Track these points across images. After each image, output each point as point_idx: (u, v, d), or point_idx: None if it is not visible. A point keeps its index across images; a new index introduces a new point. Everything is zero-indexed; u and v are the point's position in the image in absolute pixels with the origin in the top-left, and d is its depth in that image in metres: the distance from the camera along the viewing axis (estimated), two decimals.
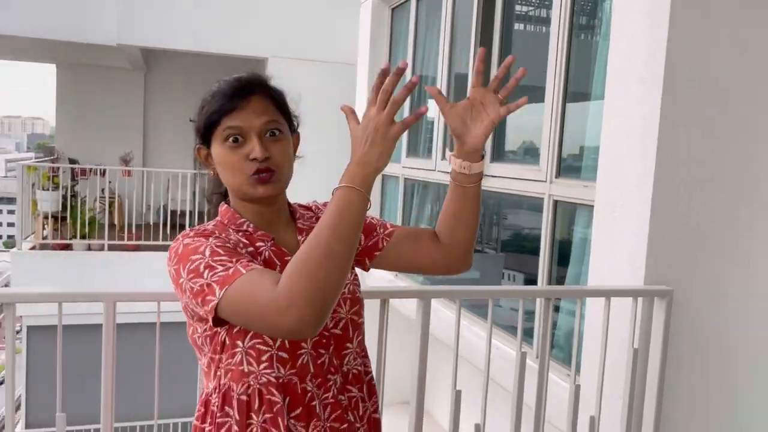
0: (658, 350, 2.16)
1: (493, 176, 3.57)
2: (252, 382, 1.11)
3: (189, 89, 11.15)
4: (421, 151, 4.81)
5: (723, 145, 2.23)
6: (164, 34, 7.43)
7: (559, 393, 2.44)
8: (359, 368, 1.25)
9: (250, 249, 1.15)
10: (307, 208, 1.34)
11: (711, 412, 2.32)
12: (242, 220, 1.19)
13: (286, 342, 1.11)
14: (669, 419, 2.22)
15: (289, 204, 1.29)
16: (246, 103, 1.15)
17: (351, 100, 5.68)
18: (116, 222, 8.29)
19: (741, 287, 2.30)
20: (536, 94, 3.19)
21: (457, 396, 1.97)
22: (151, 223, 8.36)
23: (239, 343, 1.11)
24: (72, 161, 9.19)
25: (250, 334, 1.11)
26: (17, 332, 7.94)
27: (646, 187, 2.20)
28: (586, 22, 3.10)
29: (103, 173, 8.05)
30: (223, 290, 1.00)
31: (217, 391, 1.14)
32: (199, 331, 1.14)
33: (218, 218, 1.22)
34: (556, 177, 2.99)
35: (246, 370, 1.11)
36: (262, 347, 1.11)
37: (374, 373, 1.32)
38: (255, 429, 1.10)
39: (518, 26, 3.80)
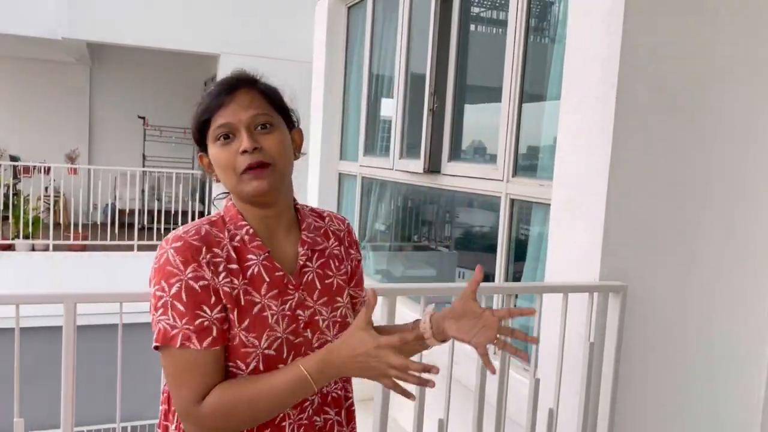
0: (613, 344, 2.24)
1: (450, 175, 3.62)
2: None
3: (137, 85, 10.96)
4: (378, 149, 4.83)
5: (673, 145, 2.32)
6: (112, 28, 7.22)
7: (516, 387, 2.50)
8: (339, 392, 1.23)
9: (234, 267, 1.11)
10: (320, 216, 1.30)
11: (661, 402, 2.41)
12: (243, 222, 1.15)
13: (261, 366, 1.09)
14: (622, 409, 2.30)
15: (296, 207, 1.25)
16: (231, 98, 1.13)
17: (307, 98, 5.65)
18: (61, 221, 8.04)
19: (689, 282, 2.40)
20: (493, 95, 3.25)
21: (421, 392, 2.00)
22: (98, 223, 8.15)
23: None
24: (14, 158, 8.86)
25: (226, 355, 1.09)
26: None
27: (600, 186, 2.27)
28: (542, 24, 3.18)
29: (47, 171, 7.79)
30: (161, 344, 1.06)
31: None
32: None
33: (221, 212, 1.18)
34: (512, 176, 3.05)
35: None
36: (235, 371, 1.10)
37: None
38: None
39: (475, 28, 3.87)
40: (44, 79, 9.69)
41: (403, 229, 4.82)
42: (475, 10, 3.85)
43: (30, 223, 7.12)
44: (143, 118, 10.07)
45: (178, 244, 1.07)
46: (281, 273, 1.15)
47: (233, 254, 1.12)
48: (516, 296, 2.87)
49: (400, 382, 1.02)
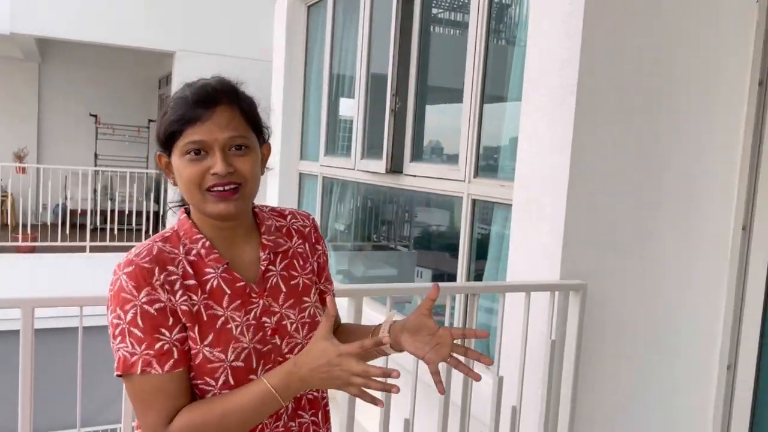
0: (573, 341, 2.29)
1: (412, 175, 3.64)
2: None
3: (89, 82, 10.68)
4: (339, 149, 4.82)
5: (631, 148, 2.39)
6: (62, 23, 7.02)
7: (479, 386, 2.53)
8: (315, 393, 1.22)
9: (192, 282, 1.09)
10: (281, 215, 1.28)
11: (619, 396, 2.48)
12: (199, 236, 1.12)
13: (231, 379, 1.08)
14: (582, 404, 2.35)
15: (254, 210, 1.22)
16: (210, 114, 1.07)
17: (266, 97, 5.59)
18: (9, 222, 7.77)
19: (645, 280, 2.47)
20: (454, 96, 3.28)
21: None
22: (48, 223, 7.91)
23: None
24: None
25: (192, 375, 1.08)
26: None
27: (560, 187, 2.32)
28: (502, 26, 3.22)
29: None
30: (122, 373, 1.05)
31: None
32: None
33: (175, 227, 1.15)
34: (474, 177, 3.09)
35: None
36: (205, 387, 1.09)
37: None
38: None
39: (436, 29, 3.90)
40: None
41: (363, 229, 4.83)
42: (436, 11, 3.88)
43: None
44: (95, 116, 9.82)
45: (130, 269, 1.05)
46: (242, 283, 1.13)
47: (189, 270, 1.10)
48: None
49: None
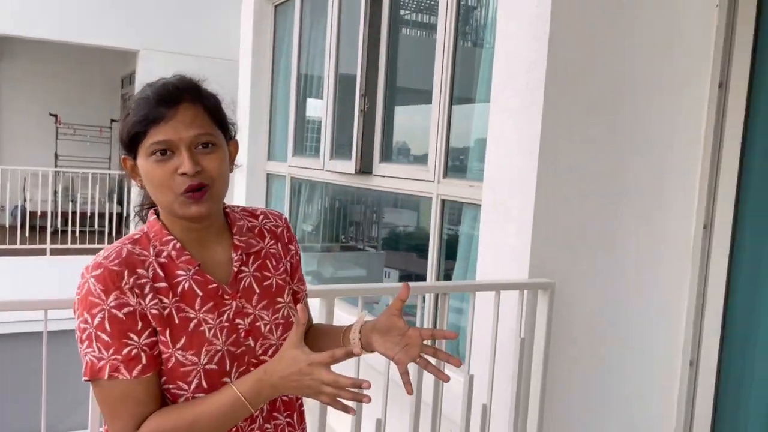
0: (542, 338, 2.32)
1: (381, 176, 3.64)
2: None
3: (49, 81, 10.43)
4: (307, 150, 4.80)
5: (598, 148, 2.43)
6: (21, 20, 6.84)
7: (450, 385, 2.54)
8: (289, 395, 1.21)
9: (162, 285, 1.07)
10: (253, 215, 1.26)
11: (586, 392, 2.52)
12: (169, 237, 1.10)
13: (204, 383, 1.07)
14: (551, 400, 2.38)
15: (225, 210, 1.20)
16: (173, 112, 1.05)
17: (230, 93, 5.54)
18: None
19: (611, 279, 2.52)
20: (423, 97, 3.30)
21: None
22: (7, 226, 7.71)
23: None
24: None
25: (164, 379, 1.07)
26: None
27: (528, 188, 2.34)
28: (471, 28, 3.25)
29: None
30: (89, 378, 1.03)
31: None
32: None
33: (145, 229, 1.13)
34: (443, 177, 3.11)
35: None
36: (177, 392, 1.07)
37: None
38: None
39: (405, 31, 3.91)
40: None
41: (332, 230, 4.82)
42: (404, 12, 3.89)
43: None
44: (55, 115, 9.59)
45: (98, 272, 1.03)
46: (215, 285, 1.11)
47: (160, 272, 1.08)
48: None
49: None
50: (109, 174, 8.91)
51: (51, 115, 9.60)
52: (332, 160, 4.20)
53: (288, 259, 1.26)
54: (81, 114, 9.75)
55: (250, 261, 1.18)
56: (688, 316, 2.59)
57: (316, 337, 1.29)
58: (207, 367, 1.07)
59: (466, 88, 3.13)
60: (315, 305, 1.99)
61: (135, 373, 1.02)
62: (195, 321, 1.08)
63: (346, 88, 4.08)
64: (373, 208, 4.45)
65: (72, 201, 8.07)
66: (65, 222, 7.80)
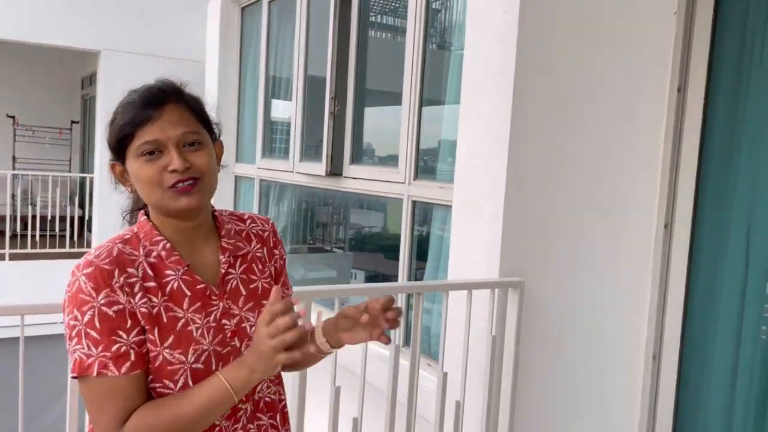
0: (513, 336, 2.38)
1: (352, 178, 3.67)
2: None
3: (6, 81, 10.14)
4: (277, 152, 4.79)
5: (567, 150, 2.50)
6: None
7: (423, 383, 2.59)
8: (273, 396, 1.24)
9: (152, 284, 1.09)
10: (241, 219, 1.29)
11: (556, 388, 2.59)
12: (159, 237, 1.13)
13: (190, 381, 1.08)
14: (522, 396, 2.45)
15: (214, 213, 1.24)
16: (159, 113, 1.09)
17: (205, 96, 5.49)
18: None
19: (578, 278, 2.59)
20: (393, 98, 3.34)
21: (337, 391, 2.03)
22: None
23: None
24: None
25: (151, 378, 1.08)
26: None
27: (499, 188, 2.40)
28: (439, 31, 3.30)
29: None
30: (77, 374, 1.04)
31: None
32: None
33: (135, 229, 1.15)
34: (414, 179, 3.15)
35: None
36: (163, 391, 1.09)
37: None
38: None
39: (374, 33, 3.94)
40: None
41: (301, 232, 4.82)
42: (373, 15, 3.93)
43: None
44: (13, 117, 9.35)
45: (89, 270, 1.05)
46: (203, 285, 1.14)
47: (150, 272, 1.10)
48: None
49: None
50: (70, 177, 8.73)
51: (8, 116, 9.35)
52: (302, 162, 4.21)
53: (273, 263, 1.28)
54: (40, 115, 9.52)
55: (237, 263, 1.21)
56: (651, 311, 2.69)
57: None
58: (194, 366, 1.09)
59: (436, 89, 3.18)
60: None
61: (124, 369, 1.04)
62: (183, 320, 1.10)
63: (316, 90, 4.10)
64: (341, 209, 4.47)
65: (31, 204, 7.88)
66: (24, 226, 7.62)
